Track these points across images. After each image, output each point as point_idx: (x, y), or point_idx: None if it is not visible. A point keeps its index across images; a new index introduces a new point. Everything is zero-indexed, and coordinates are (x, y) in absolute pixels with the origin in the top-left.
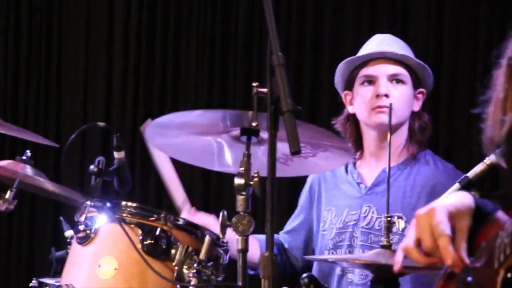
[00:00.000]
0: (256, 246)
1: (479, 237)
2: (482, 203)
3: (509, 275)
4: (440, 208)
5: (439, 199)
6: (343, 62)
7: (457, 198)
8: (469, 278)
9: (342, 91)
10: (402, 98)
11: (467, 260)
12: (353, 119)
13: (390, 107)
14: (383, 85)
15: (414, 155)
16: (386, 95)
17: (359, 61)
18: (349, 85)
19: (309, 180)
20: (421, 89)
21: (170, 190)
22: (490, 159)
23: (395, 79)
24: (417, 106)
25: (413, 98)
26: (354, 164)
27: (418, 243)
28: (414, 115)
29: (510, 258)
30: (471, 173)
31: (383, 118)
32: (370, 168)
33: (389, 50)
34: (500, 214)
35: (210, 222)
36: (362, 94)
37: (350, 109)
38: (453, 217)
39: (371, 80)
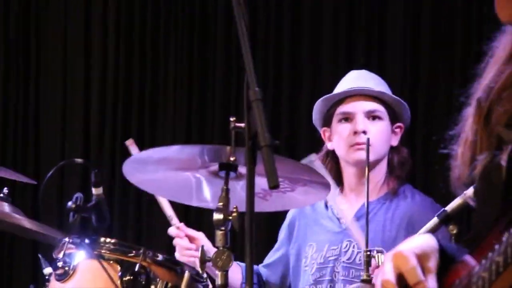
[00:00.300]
0: (238, 272)
1: (449, 277)
2: (445, 245)
3: None
4: (408, 251)
5: (404, 243)
6: (320, 99)
7: (421, 240)
8: None
9: (321, 127)
10: (380, 134)
11: None
12: (332, 155)
13: (368, 142)
14: (360, 122)
15: (394, 190)
16: (364, 132)
17: (336, 98)
18: (327, 121)
19: (289, 215)
20: (399, 124)
21: (161, 205)
22: (468, 193)
23: (372, 115)
24: (395, 141)
25: (390, 133)
26: (334, 199)
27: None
28: (392, 150)
29: None
30: (449, 207)
31: (362, 155)
32: (350, 203)
33: (365, 86)
34: (468, 258)
35: (201, 236)
36: (339, 131)
37: (329, 145)
38: (421, 259)
39: (348, 117)
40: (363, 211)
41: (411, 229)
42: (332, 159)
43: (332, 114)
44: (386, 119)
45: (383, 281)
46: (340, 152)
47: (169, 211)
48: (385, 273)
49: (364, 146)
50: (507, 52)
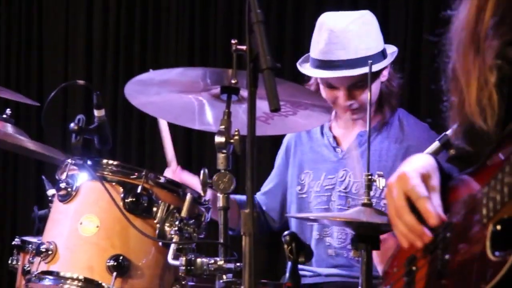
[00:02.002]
0: (234, 207)
1: (451, 195)
2: (442, 163)
3: (498, 227)
4: (411, 172)
5: (405, 163)
6: (298, 63)
7: (422, 159)
8: (448, 234)
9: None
10: (364, 98)
11: (444, 217)
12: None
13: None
14: (345, 96)
15: (387, 118)
16: (351, 104)
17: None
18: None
19: (285, 142)
20: (384, 67)
21: (164, 144)
22: None
23: (356, 85)
24: (384, 77)
25: (379, 83)
26: (330, 126)
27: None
28: (382, 83)
29: (499, 212)
30: (450, 131)
31: (354, 117)
32: (345, 131)
33: (349, 60)
34: (468, 178)
35: (194, 182)
36: (325, 94)
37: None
38: (424, 177)
39: (332, 86)
40: (358, 140)
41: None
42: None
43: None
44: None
45: (396, 207)
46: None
47: (170, 153)
48: (396, 199)
49: (355, 111)
50: None
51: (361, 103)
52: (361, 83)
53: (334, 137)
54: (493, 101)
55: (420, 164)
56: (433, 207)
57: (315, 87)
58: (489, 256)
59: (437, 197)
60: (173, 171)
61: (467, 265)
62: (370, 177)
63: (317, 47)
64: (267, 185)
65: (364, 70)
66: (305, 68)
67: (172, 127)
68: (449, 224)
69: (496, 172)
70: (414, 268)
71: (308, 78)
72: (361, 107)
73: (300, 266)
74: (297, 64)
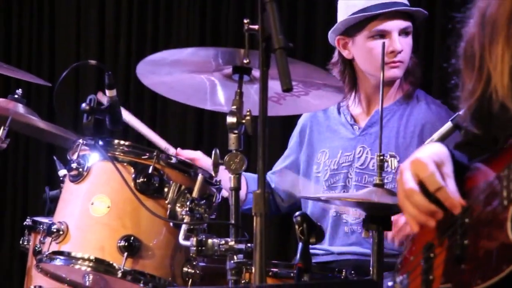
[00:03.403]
0: (243, 183)
1: (467, 183)
2: (454, 151)
3: None
4: (426, 158)
5: (418, 151)
6: (353, 15)
7: (435, 147)
8: (467, 219)
9: (338, 35)
10: (409, 50)
11: (463, 202)
12: (349, 64)
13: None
14: (397, 41)
15: (409, 93)
16: (399, 52)
17: (370, 15)
18: (349, 31)
19: (300, 122)
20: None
21: (154, 140)
22: None
23: (404, 31)
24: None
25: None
26: (347, 104)
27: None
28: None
29: None
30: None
31: (397, 73)
32: (363, 109)
33: (402, 3)
34: (483, 166)
35: (197, 156)
36: (372, 47)
37: (345, 53)
38: (438, 164)
39: (383, 35)
40: (376, 117)
41: (425, 137)
42: (350, 69)
43: (360, 28)
44: (411, 32)
45: (406, 190)
46: (368, 67)
47: (162, 143)
48: (406, 181)
49: (400, 64)
50: None
51: (405, 52)
52: (407, 29)
53: (351, 115)
54: None
55: (433, 151)
56: (454, 196)
57: (341, 64)
58: (510, 238)
59: (452, 183)
60: (176, 154)
61: (488, 249)
62: (382, 157)
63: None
64: (279, 165)
65: (420, 9)
66: (356, 18)
67: (183, 107)
68: (467, 210)
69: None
70: (431, 255)
71: (321, 59)
72: (403, 61)
73: (313, 246)
74: (332, 30)
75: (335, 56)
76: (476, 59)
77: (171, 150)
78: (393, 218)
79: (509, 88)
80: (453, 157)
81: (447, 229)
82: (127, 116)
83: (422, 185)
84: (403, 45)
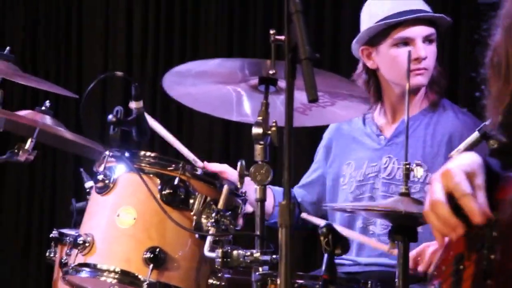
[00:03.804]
0: (270, 196)
1: (498, 194)
2: (490, 161)
3: None
4: (456, 169)
5: (450, 161)
6: (377, 23)
7: (467, 158)
8: (494, 233)
9: (361, 45)
10: (434, 57)
11: (490, 213)
12: (374, 74)
13: (409, 55)
14: (421, 48)
15: (435, 102)
16: (425, 58)
17: (394, 22)
18: (372, 41)
19: (325, 136)
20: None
21: (182, 151)
22: None
23: (428, 39)
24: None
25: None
26: (372, 115)
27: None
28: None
29: None
30: (488, 123)
31: (421, 80)
32: (388, 119)
33: (424, 10)
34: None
35: (224, 169)
36: (396, 55)
37: (369, 64)
38: (469, 175)
39: (406, 42)
40: (402, 126)
41: (452, 146)
42: (375, 79)
43: (384, 37)
44: (436, 40)
45: (432, 201)
46: (392, 76)
47: (190, 155)
48: (434, 192)
49: (425, 72)
50: None
51: (430, 60)
52: (431, 36)
53: (377, 126)
54: None
55: (465, 161)
56: (477, 205)
57: (365, 75)
58: None
59: (482, 195)
60: (201, 168)
61: None
62: (407, 166)
63: (383, 9)
64: (306, 178)
65: (443, 16)
66: (379, 26)
67: (209, 118)
68: (495, 222)
69: None
70: (461, 267)
71: (347, 69)
72: (428, 68)
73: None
74: (356, 40)
75: (359, 67)
76: (502, 67)
77: (198, 163)
78: (419, 248)
79: None
80: (487, 166)
81: (477, 241)
82: (156, 126)
83: (451, 196)
84: (427, 52)
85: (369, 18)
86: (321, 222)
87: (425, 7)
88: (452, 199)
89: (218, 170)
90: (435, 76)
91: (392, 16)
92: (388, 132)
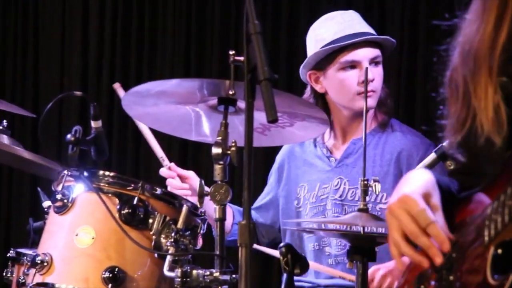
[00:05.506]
0: (229, 214)
1: (460, 214)
2: (439, 178)
3: (499, 251)
4: (415, 194)
5: (403, 183)
6: (323, 48)
7: (420, 178)
8: (454, 254)
9: (309, 70)
10: (381, 79)
11: (451, 236)
12: (322, 98)
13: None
14: (369, 70)
15: (384, 123)
16: (372, 80)
17: (340, 46)
18: (320, 65)
19: (278, 159)
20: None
21: (151, 144)
22: None
23: (374, 61)
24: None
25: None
26: (322, 137)
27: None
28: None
29: (500, 235)
30: (446, 143)
31: (370, 102)
32: (338, 141)
33: (370, 33)
34: (482, 196)
35: (190, 175)
36: (344, 78)
37: (317, 88)
38: (426, 197)
39: (354, 65)
40: (352, 148)
41: (401, 163)
42: (323, 102)
43: (331, 61)
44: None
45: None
46: (340, 99)
47: (159, 152)
48: (406, 223)
49: (373, 94)
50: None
51: (377, 82)
52: (377, 58)
53: (327, 148)
54: (502, 120)
55: (419, 183)
56: (444, 234)
57: (314, 99)
58: (489, 280)
59: (440, 216)
60: (169, 168)
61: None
62: (366, 182)
63: (328, 33)
64: (259, 201)
65: (388, 38)
66: (325, 51)
67: (168, 138)
68: (455, 244)
69: (499, 194)
70: (422, 286)
71: (303, 90)
72: (376, 90)
73: (298, 277)
74: (303, 65)
75: (307, 91)
76: (460, 91)
77: (166, 162)
78: (369, 271)
79: (494, 122)
80: (439, 184)
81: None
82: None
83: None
84: (375, 74)
85: (315, 42)
86: (273, 252)
87: (370, 30)
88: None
89: (184, 175)
90: (383, 97)
91: (338, 40)
92: (338, 153)
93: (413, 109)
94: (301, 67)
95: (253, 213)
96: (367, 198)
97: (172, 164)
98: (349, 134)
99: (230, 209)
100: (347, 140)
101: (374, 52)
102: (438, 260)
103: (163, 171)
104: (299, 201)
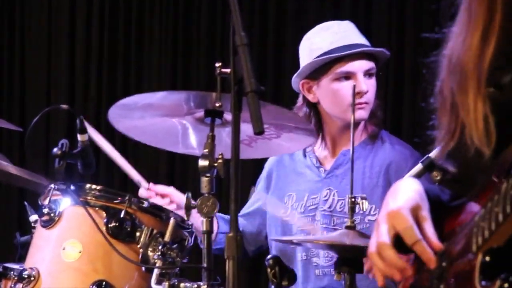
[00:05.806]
0: (214, 222)
1: (449, 222)
2: (428, 187)
3: (487, 258)
4: (403, 209)
5: (392, 196)
6: (319, 58)
7: (408, 189)
8: (444, 263)
9: (302, 79)
10: (374, 91)
11: (440, 246)
12: (314, 108)
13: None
14: (363, 82)
15: (374, 135)
16: (366, 92)
17: (337, 57)
18: (313, 75)
19: (266, 167)
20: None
21: (126, 170)
22: None
23: (368, 73)
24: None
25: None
26: (313, 148)
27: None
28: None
29: (488, 242)
30: (433, 153)
31: (363, 114)
32: (328, 152)
33: (365, 45)
34: (472, 204)
35: (170, 191)
36: (337, 89)
37: (310, 97)
38: (414, 210)
39: (348, 76)
40: (342, 159)
41: (390, 176)
42: (315, 112)
43: (325, 71)
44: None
45: (378, 243)
46: (334, 109)
47: (135, 176)
48: (381, 235)
49: (366, 106)
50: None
51: (370, 94)
52: (371, 70)
53: (317, 158)
54: (491, 132)
55: (407, 195)
56: (430, 251)
57: (305, 109)
58: (476, 286)
59: (429, 226)
60: (147, 189)
61: None
62: (353, 199)
63: (323, 43)
64: (247, 209)
65: (383, 50)
66: (322, 60)
67: (155, 150)
68: (444, 253)
69: (486, 202)
70: None
71: (290, 101)
72: (369, 102)
73: None
74: (297, 74)
75: (300, 100)
76: (447, 103)
77: (143, 183)
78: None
79: (484, 134)
80: (428, 194)
81: (428, 271)
82: (101, 142)
83: (398, 238)
84: (368, 86)
85: (309, 52)
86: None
87: (365, 41)
88: (398, 240)
89: (163, 192)
90: (374, 109)
91: (333, 51)
92: (328, 164)
93: (400, 118)
94: (294, 76)
95: (240, 219)
96: (356, 209)
97: (151, 184)
98: (340, 145)
99: (215, 218)
100: (337, 151)
101: (369, 64)
102: (406, 273)
103: (141, 193)
104: (286, 210)
